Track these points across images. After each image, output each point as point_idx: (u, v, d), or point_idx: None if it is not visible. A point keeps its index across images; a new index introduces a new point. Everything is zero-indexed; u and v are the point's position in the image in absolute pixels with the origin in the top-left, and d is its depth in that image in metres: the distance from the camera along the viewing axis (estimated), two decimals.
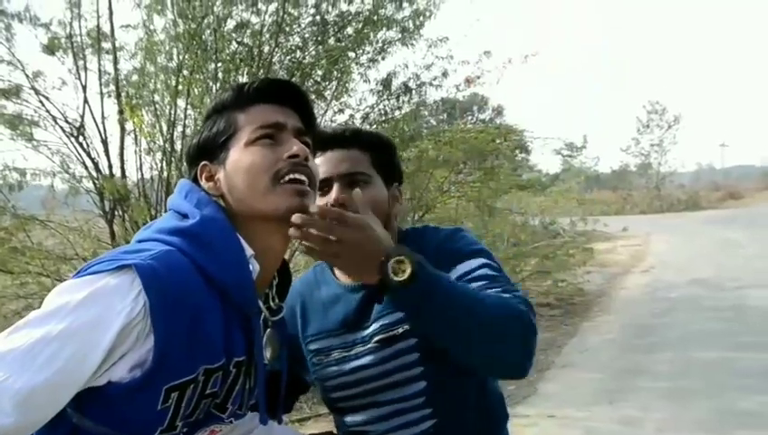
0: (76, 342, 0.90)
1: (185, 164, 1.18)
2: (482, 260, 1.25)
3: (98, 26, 5.27)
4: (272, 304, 1.15)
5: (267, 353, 1.12)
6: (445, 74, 6.67)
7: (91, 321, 0.91)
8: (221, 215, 1.06)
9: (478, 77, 6.94)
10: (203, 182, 1.12)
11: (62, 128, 5.24)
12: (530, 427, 4.38)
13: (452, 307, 1.08)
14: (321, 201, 1.25)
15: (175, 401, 0.98)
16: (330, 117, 6.40)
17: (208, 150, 1.13)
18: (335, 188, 1.28)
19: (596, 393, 4.99)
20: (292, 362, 1.32)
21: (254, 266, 1.05)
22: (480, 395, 1.32)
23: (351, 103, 6.47)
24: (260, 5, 5.48)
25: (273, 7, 5.52)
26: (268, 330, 1.12)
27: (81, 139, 5.26)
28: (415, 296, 1.07)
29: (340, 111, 6.50)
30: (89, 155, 5.29)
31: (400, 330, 1.27)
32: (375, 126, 6.52)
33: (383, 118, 6.54)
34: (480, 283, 1.20)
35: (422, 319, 1.11)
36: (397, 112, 6.58)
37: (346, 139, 1.33)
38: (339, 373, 1.32)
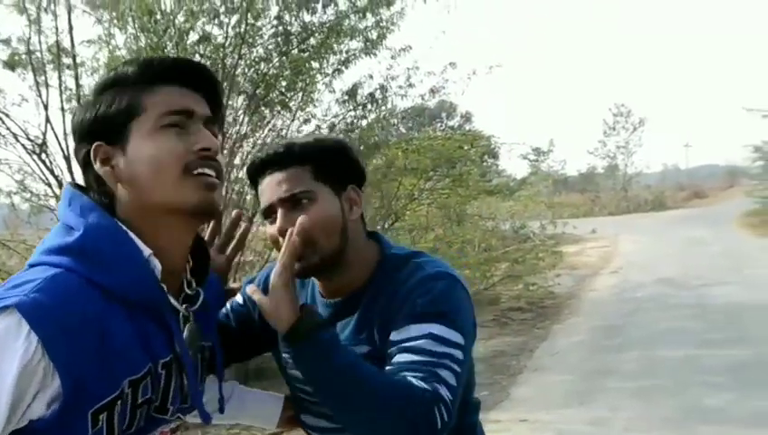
0: None
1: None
2: (432, 329, 1.14)
3: (57, 42, 5.20)
4: (188, 290, 1.08)
5: (190, 351, 1.05)
6: (410, 84, 6.74)
7: None
8: (107, 220, 0.98)
9: (443, 87, 7.02)
10: (97, 165, 1.01)
11: (23, 145, 5.16)
12: (502, 432, 4.40)
13: (338, 380, 1.10)
14: (269, 230, 1.25)
15: (105, 422, 0.93)
16: (296, 127, 6.42)
17: (104, 130, 1.00)
18: (279, 215, 1.23)
19: (567, 395, 5.05)
20: (244, 331, 1.35)
21: (156, 265, 0.98)
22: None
23: (317, 113, 6.50)
24: (222, 18, 5.48)
25: (235, 19, 5.52)
26: (189, 324, 1.05)
27: (43, 156, 5.18)
28: (307, 356, 1.11)
29: (306, 121, 6.52)
30: (52, 172, 5.22)
31: (358, 351, 1.23)
32: (341, 135, 6.55)
33: (349, 127, 6.58)
34: (406, 357, 1.12)
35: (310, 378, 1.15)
36: (363, 121, 6.62)
37: (281, 157, 1.25)
38: (297, 378, 1.29)
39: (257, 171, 1.27)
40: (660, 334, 6.60)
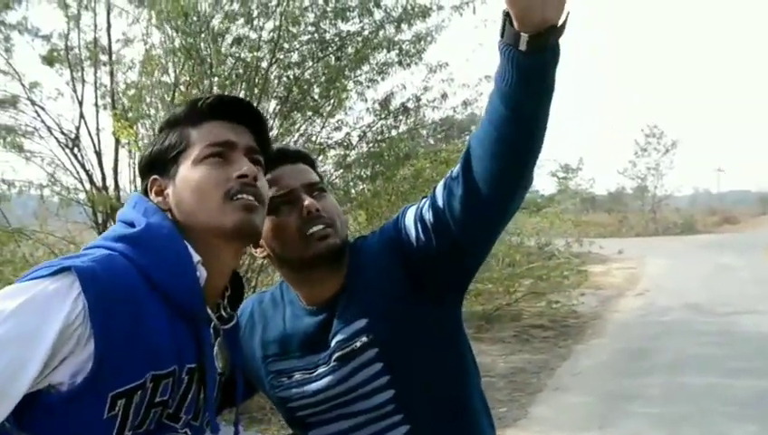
0: (16, 347, 0.89)
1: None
2: (413, 206, 1.28)
3: (95, 39, 5.29)
4: (223, 313, 1.14)
5: (218, 363, 1.11)
6: (444, 96, 6.71)
7: (29, 326, 0.90)
8: (168, 223, 1.07)
9: (476, 100, 6.99)
10: (152, 196, 1.12)
11: (56, 138, 5.25)
12: None
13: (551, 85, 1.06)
14: (290, 213, 1.27)
15: (122, 410, 0.95)
16: (326, 134, 6.44)
17: (159, 164, 1.13)
18: (305, 197, 1.28)
19: (587, 418, 4.96)
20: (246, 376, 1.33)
21: (202, 272, 1.05)
22: (456, 400, 1.31)
23: (349, 121, 6.51)
24: (259, 22, 5.51)
25: (271, 24, 5.55)
26: (218, 338, 1.11)
27: (75, 150, 5.26)
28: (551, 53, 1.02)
29: (337, 128, 6.54)
30: (83, 167, 5.29)
31: (358, 344, 1.25)
32: (371, 144, 6.54)
33: (379, 137, 6.56)
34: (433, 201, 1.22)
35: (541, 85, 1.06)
36: (393, 132, 6.61)
37: (292, 154, 1.35)
38: (301, 395, 1.30)
39: (270, 162, 1.30)
40: (686, 361, 6.45)
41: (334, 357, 1.27)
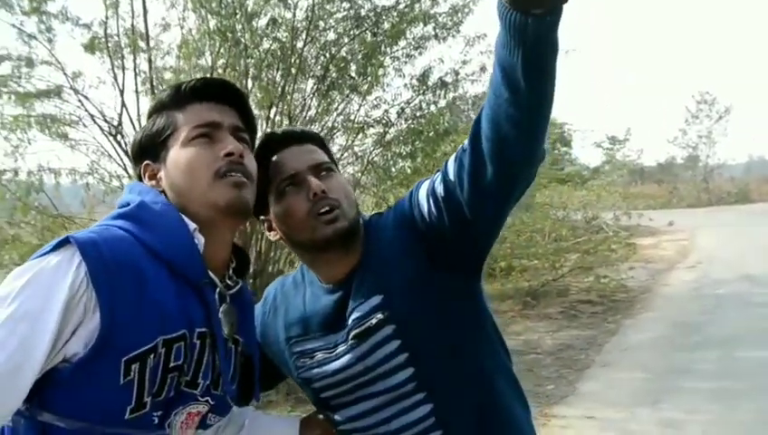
0: (26, 323, 0.92)
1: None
2: (426, 180, 1.24)
3: (132, 25, 5.32)
4: (228, 281, 1.17)
5: (225, 328, 1.12)
6: (483, 69, 6.58)
7: (36, 302, 0.93)
8: (161, 197, 1.12)
9: None
10: (146, 181, 1.16)
11: (99, 126, 5.33)
12: (567, 429, 4.26)
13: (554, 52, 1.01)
14: (296, 196, 1.26)
15: (137, 374, 0.98)
16: (365, 112, 6.39)
17: (150, 150, 1.17)
18: (311, 179, 1.26)
19: (637, 394, 4.84)
20: (272, 360, 1.36)
21: (199, 239, 1.09)
22: (480, 376, 1.27)
23: (387, 98, 6.44)
24: (293, 0, 5.47)
25: (305, 3, 5.51)
26: (224, 305, 1.13)
27: (118, 137, 5.34)
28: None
29: (376, 106, 6.48)
30: (126, 153, 5.36)
31: (374, 320, 1.23)
32: (410, 121, 6.48)
33: (418, 113, 6.49)
34: (442, 177, 1.20)
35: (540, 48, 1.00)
36: (432, 107, 6.51)
37: (298, 136, 1.33)
38: (322, 375, 1.29)
39: (276, 144, 1.31)
40: (741, 335, 6.21)
41: (351, 335, 1.25)
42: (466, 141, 1.15)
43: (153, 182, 1.15)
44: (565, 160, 13.88)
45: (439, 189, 1.19)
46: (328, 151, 1.36)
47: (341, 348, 1.27)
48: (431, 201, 1.21)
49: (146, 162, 1.17)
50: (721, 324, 6.73)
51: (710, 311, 7.47)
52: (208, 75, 5.05)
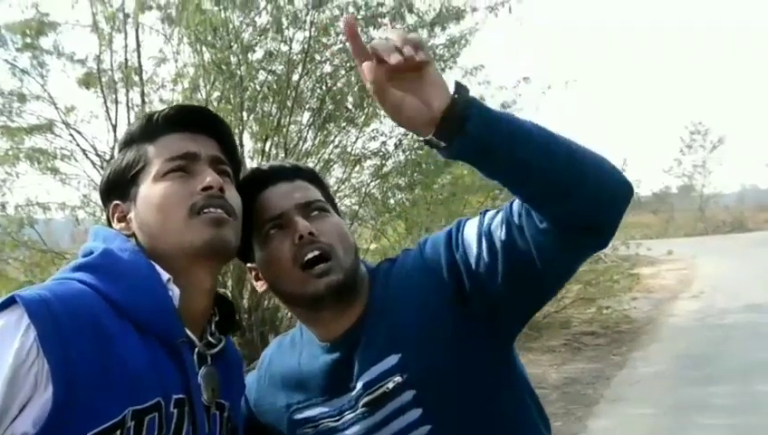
0: None
1: None
2: (469, 220, 1.09)
3: (126, 59, 5.25)
4: (210, 338, 1.02)
5: (204, 393, 0.96)
6: (482, 99, 6.53)
7: None
8: (129, 244, 0.98)
9: (515, 102, 6.81)
10: (114, 223, 1.03)
11: (91, 161, 5.22)
12: None
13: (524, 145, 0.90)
14: (281, 240, 1.08)
15: None
16: (362, 144, 6.32)
17: (119, 188, 1.04)
18: (298, 220, 1.08)
19: (651, 431, 4.65)
20: (270, 430, 1.20)
21: (174, 290, 0.95)
22: None
23: (384, 130, 6.38)
24: (289, 33, 5.42)
25: (301, 36, 5.46)
26: (204, 367, 0.98)
27: None
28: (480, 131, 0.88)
29: (373, 138, 6.43)
30: None
31: (390, 385, 1.05)
32: (408, 152, 6.40)
33: (416, 145, 6.42)
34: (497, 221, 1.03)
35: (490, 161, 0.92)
36: None
37: (287, 172, 1.16)
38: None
39: (262, 181, 1.15)
40: (754, 367, 6.03)
41: (362, 402, 1.07)
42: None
43: (122, 225, 1.02)
44: None
45: (499, 233, 1.01)
46: (323, 188, 1.19)
47: (349, 416, 1.10)
48: (484, 245, 1.03)
49: (114, 202, 1.04)
50: (732, 356, 6.55)
51: (719, 342, 7.29)
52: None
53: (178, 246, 0.97)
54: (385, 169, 6.37)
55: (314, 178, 1.19)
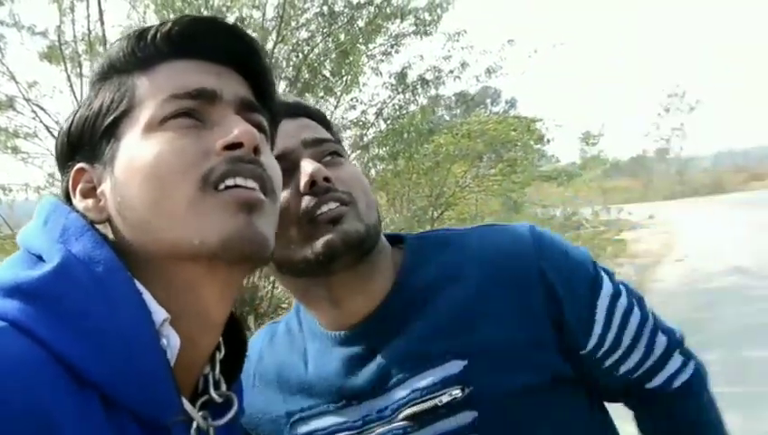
0: None
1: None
2: (609, 282, 0.92)
3: (89, 30, 4.96)
4: (213, 394, 0.65)
5: None
6: (464, 65, 6.33)
7: None
8: (104, 252, 0.58)
9: (500, 67, 6.60)
10: (76, 200, 0.64)
11: (55, 138, 4.95)
12: None
13: None
14: (286, 188, 0.80)
15: None
16: (341, 114, 6.11)
17: (86, 142, 0.64)
18: (306, 162, 0.81)
19: None
20: None
21: (171, 341, 0.59)
22: None
23: (364, 98, 6.17)
24: None
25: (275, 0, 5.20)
26: None
27: None
28: None
29: (352, 107, 6.22)
30: None
31: (445, 398, 0.81)
32: (389, 121, 6.19)
33: (397, 113, 6.21)
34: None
35: None
36: (412, 106, 6.24)
37: (290, 107, 0.86)
38: None
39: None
40: (746, 332, 5.96)
41: (404, 414, 0.82)
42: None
43: (89, 202, 0.63)
44: (545, 157, 13.71)
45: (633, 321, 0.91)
46: (335, 135, 0.91)
47: (381, 430, 0.84)
48: (614, 325, 0.89)
49: (79, 165, 0.65)
50: (722, 322, 6.49)
51: (707, 307, 7.24)
52: None
53: (179, 241, 0.59)
54: (366, 140, 6.16)
55: (324, 121, 0.92)
